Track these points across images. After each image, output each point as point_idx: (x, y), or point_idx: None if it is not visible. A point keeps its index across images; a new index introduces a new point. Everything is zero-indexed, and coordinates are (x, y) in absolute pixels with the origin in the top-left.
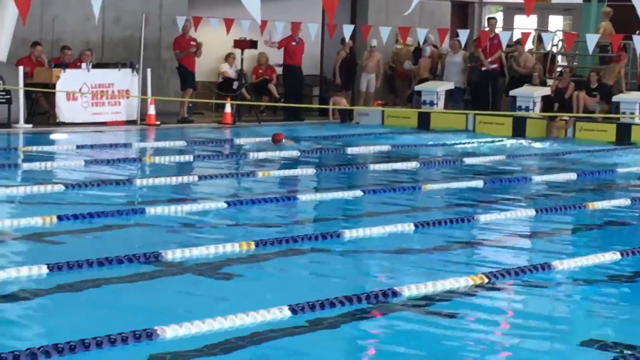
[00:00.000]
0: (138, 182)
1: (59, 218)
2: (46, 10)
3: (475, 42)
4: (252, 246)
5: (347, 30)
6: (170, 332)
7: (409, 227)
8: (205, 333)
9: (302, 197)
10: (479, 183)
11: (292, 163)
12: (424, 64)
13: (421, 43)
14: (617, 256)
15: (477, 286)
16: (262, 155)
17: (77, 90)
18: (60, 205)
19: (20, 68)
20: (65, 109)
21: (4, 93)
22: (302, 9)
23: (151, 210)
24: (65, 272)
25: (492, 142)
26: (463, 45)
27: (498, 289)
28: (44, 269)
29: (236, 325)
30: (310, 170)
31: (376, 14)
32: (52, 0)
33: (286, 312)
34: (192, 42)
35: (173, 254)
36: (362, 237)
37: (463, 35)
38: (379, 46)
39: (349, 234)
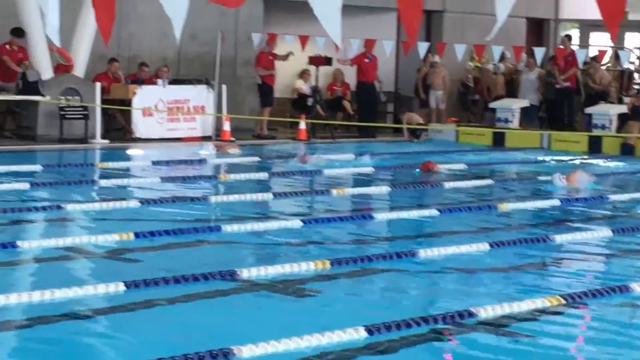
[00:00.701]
0: (213, 199)
1: (136, 235)
2: (123, 27)
3: (551, 60)
4: (327, 265)
5: (422, 47)
6: (246, 351)
7: (484, 247)
8: (282, 352)
9: (377, 216)
10: (554, 202)
11: (366, 180)
12: (498, 81)
13: (496, 60)
14: None
15: (553, 308)
16: (336, 172)
17: (153, 107)
18: (136, 222)
19: (98, 84)
20: (141, 125)
21: (81, 109)
22: (376, 25)
23: (227, 228)
24: (142, 290)
25: (568, 160)
26: (538, 63)
27: (575, 311)
28: (121, 286)
29: (312, 345)
30: (385, 188)
31: (451, 31)
32: (129, 17)
33: (362, 333)
34: (272, 57)
35: (249, 272)
36: (437, 256)
37: (538, 52)
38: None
39: (423, 253)
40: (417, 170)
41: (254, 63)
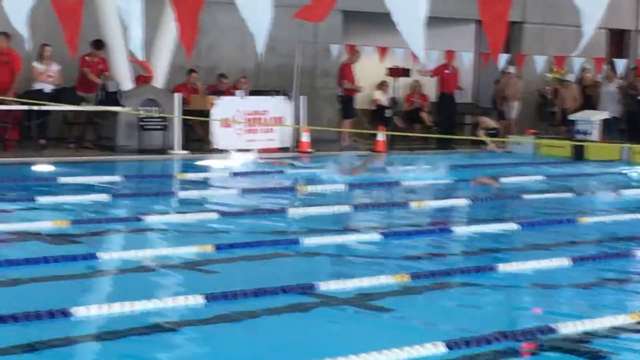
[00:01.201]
0: (292, 211)
1: (216, 247)
2: (203, 39)
3: (632, 71)
4: (406, 278)
5: (502, 58)
6: None
7: (564, 261)
8: None
9: (456, 229)
10: (636, 216)
11: (445, 193)
12: (577, 93)
13: (577, 72)
14: None
15: (636, 324)
16: (414, 184)
17: (231, 118)
18: (216, 234)
19: (177, 95)
20: (219, 136)
21: (160, 120)
22: (456, 37)
23: (306, 241)
24: (221, 303)
25: None
26: (619, 75)
27: None
28: (200, 299)
29: None
30: (463, 201)
31: (531, 42)
32: (208, 29)
33: (441, 348)
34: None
35: (327, 286)
36: (516, 271)
37: (619, 64)
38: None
39: (503, 267)
40: (471, 182)
41: (333, 74)
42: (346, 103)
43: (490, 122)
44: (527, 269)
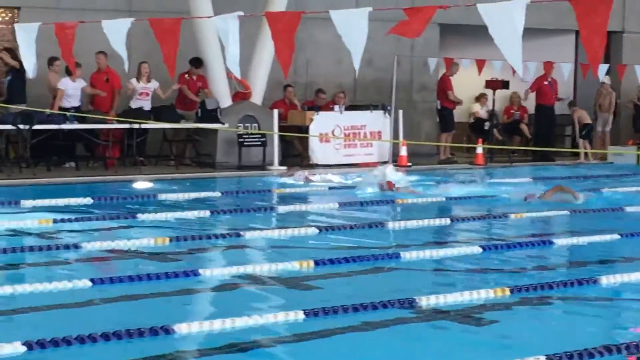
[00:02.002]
0: (391, 225)
1: (315, 262)
2: (300, 54)
3: None
4: (507, 292)
5: (602, 69)
6: None
7: None
8: None
9: (557, 241)
10: None
11: (544, 205)
12: None
13: None
14: None
15: None
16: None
17: (330, 133)
18: (315, 249)
19: (275, 111)
20: (318, 151)
21: (259, 136)
22: (554, 48)
23: (406, 255)
24: (321, 318)
25: None
26: None
27: None
28: (300, 315)
29: None
30: (564, 212)
31: (631, 52)
32: (305, 45)
33: None
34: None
35: (427, 300)
36: (619, 283)
37: None
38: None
39: (606, 280)
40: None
41: (431, 88)
42: (446, 116)
43: (585, 116)
44: (631, 280)
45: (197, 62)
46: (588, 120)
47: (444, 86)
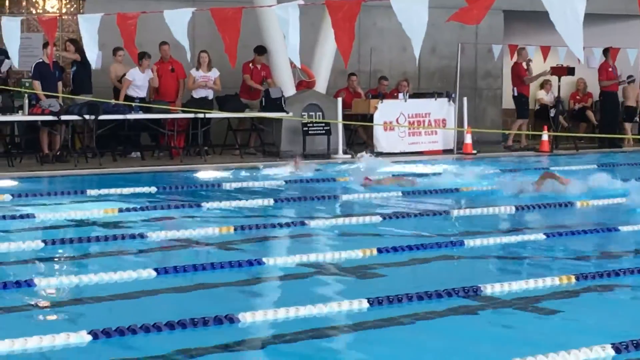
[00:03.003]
0: (455, 212)
1: (379, 250)
2: (363, 42)
3: None
4: (572, 280)
5: None
6: None
7: None
8: None
9: (623, 228)
10: None
11: (608, 193)
12: None
13: None
14: None
15: None
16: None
17: (394, 121)
18: (378, 237)
19: (339, 100)
20: (382, 139)
21: (323, 124)
22: (620, 33)
23: (470, 242)
24: (385, 307)
25: None
26: None
27: None
28: (365, 303)
29: None
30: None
31: None
32: (369, 32)
33: (609, 351)
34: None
35: (492, 288)
36: None
37: None
38: None
39: None
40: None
41: (495, 75)
42: (520, 102)
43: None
44: None
45: (260, 50)
46: (632, 103)
47: (518, 73)
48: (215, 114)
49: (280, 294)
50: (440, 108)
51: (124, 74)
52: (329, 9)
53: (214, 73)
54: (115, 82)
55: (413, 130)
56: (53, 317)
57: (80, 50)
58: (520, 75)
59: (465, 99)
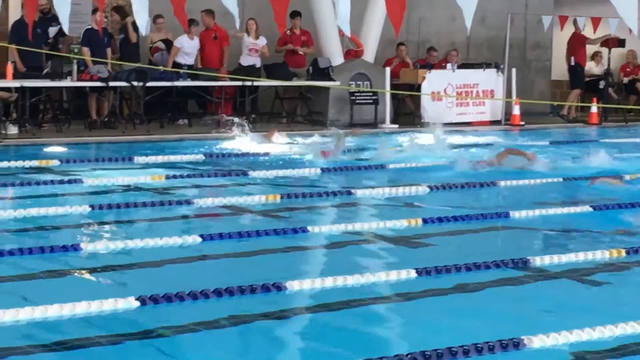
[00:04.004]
0: (502, 183)
1: (424, 221)
2: (412, 12)
3: None
4: (623, 253)
5: None
6: (537, 341)
7: None
8: (573, 343)
9: None
10: None
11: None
12: None
13: None
14: None
15: None
16: (625, 156)
17: (442, 91)
18: (424, 208)
19: (387, 69)
20: (430, 110)
21: (371, 94)
22: None
23: (515, 214)
24: (433, 277)
25: None
26: None
27: None
28: (413, 273)
29: (605, 337)
30: None
31: None
32: (418, 2)
33: None
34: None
35: (542, 260)
36: None
37: None
38: None
39: None
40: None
41: (544, 46)
42: (576, 72)
43: None
44: None
45: (294, 13)
46: None
47: (576, 42)
48: (263, 82)
49: (326, 263)
50: (489, 79)
51: (157, 41)
52: None
53: (262, 41)
54: (150, 48)
55: (461, 100)
56: (100, 282)
57: (125, 18)
58: (578, 45)
59: (513, 70)
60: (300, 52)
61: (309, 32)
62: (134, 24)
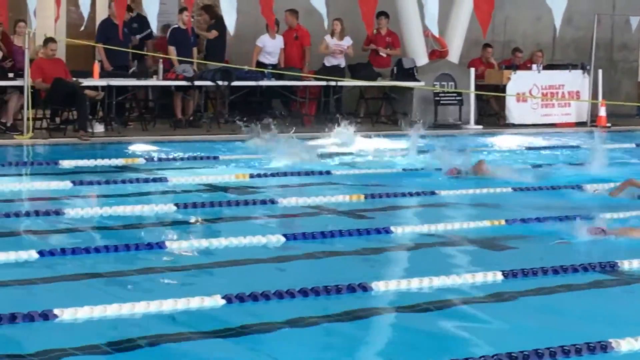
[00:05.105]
0: (589, 187)
1: (507, 222)
2: (498, 12)
3: None
4: None
5: None
6: (625, 345)
7: None
8: None
9: None
10: None
11: None
12: None
13: None
14: None
15: None
16: None
17: (527, 92)
18: (509, 209)
19: (472, 70)
20: (514, 111)
21: (455, 95)
22: None
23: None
24: (520, 279)
25: None
26: None
27: None
28: (499, 275)
29: None
30: None
31: None
32: (504, 2)
33: None
34: None
35: (630, 265)
36: None
37: None
38: None
39: None
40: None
41: (632, 47)
42: None
43: None
44: None
45: (380, 14)
46: None
47: None
48: (347, 82)
49: (411, 264)
50: (575, 80)
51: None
52: None
53: (347, 41)
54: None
55: (546, 102)
56: (185, 280)
57: (215, 17)
58: None
59: (600, 71)
60: (382, 54)
61: (395, 34)
62: (222, 22)
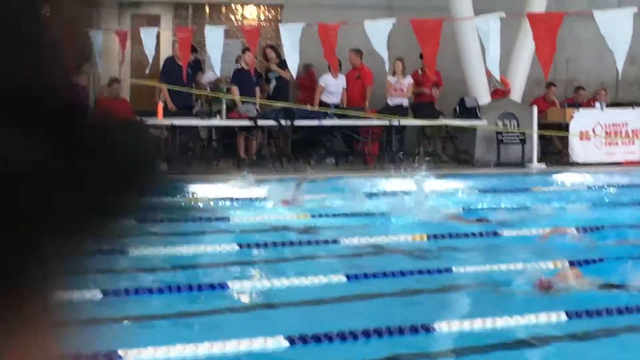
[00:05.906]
0: None
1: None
2: (560, 51)
3: None
4: None
5: None
6: None
7: None
8: None
9: None
10: None
11: None
12: None
13: None
14: None
15: None
16: None
17: (590, 131)
18: (572, 250)
19: (534, 108)
20: (578, 149)
21: (518, 133)
22: None
23: None
24: (584, 320)
25: None
26: None
27: None
28: (563, 316)
29: None
30: None
31: None
32: (566, 41)
33: None
34: None
35: None
36: None
37: None
38: None
39: None
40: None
41: None
42: None
43: None
44: None
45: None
46: None
47: None
48: (410, 121)
49: (473, 303)
50: (638, 118)
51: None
52: (530, 21)
53: (408, 80)
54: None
55: (610, 140)
56: (248, 321)
57: (279, 57)
58: None
59: None
60: (425, 92)
61: (439, 72)
62: (284, 63)
